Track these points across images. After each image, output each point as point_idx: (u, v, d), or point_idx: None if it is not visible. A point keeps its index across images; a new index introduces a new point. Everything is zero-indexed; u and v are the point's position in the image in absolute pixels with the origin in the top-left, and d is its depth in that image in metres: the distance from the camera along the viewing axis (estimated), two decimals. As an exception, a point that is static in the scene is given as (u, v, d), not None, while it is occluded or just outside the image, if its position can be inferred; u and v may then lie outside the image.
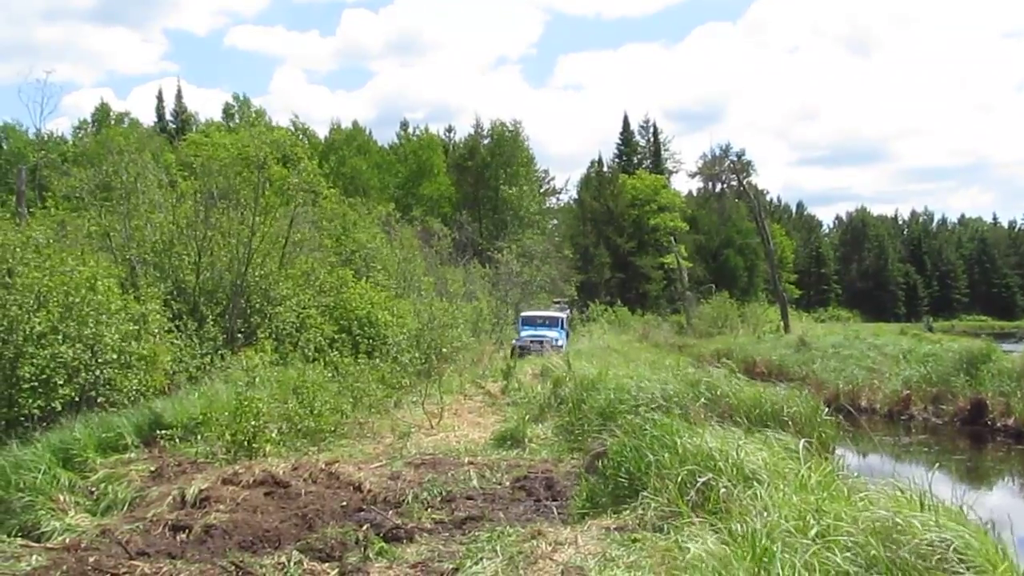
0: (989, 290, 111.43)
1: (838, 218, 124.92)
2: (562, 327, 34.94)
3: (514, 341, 32.56)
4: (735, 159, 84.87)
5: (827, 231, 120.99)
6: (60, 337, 12.57)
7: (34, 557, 7.16)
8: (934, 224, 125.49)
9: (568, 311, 49.57)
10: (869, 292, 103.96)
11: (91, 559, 6.77)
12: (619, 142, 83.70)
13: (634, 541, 6.46)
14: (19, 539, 8.08)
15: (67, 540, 7.95)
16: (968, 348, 22.38)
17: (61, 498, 9.28)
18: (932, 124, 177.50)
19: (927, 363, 22.48)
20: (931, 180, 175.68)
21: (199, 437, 11.64)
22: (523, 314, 37.22)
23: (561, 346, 31.27)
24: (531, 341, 31.32)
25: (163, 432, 11.74)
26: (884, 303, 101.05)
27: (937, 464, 12.54)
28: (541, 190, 67.15)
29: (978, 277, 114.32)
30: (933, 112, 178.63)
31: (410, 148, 67.33)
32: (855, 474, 7.68)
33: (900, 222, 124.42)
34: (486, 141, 65.69)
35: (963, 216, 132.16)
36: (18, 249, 12.85)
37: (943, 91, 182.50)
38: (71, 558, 6.85)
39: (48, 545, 7.78)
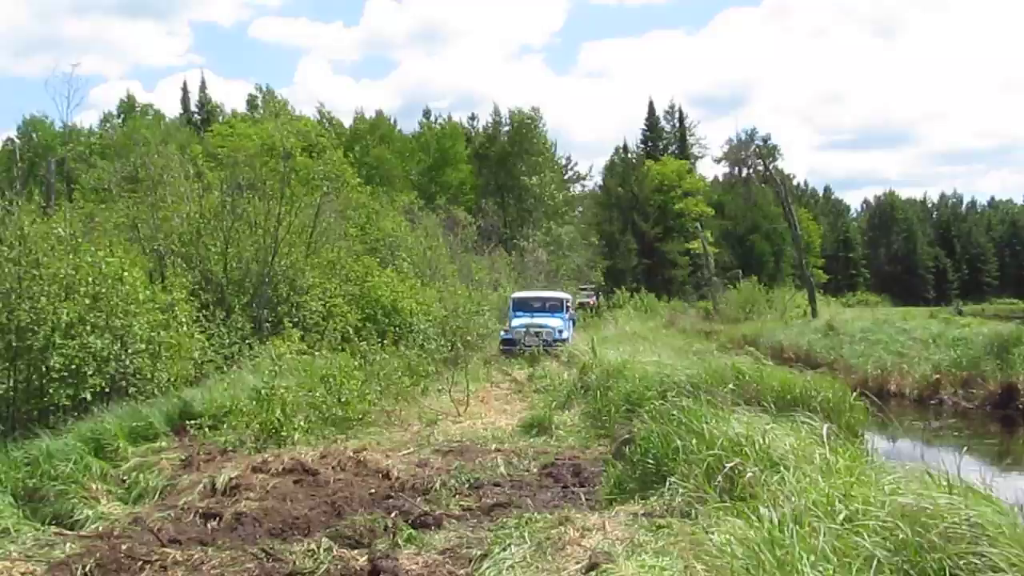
0: (1020, 273, 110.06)
1: (866, 202, 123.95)
2: (566, 312, 28.72)
3: (502, 333, 26.72)
4: (761, 144, 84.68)
5: (855, 215, 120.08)
6: (88, 327, 12.68)
7: (68, 545, 7.25)
8: (963, 207, 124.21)
9: (595, 297, 49.51)
10: (898, 276, 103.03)
11: (123, 546, 6.84)
12: (644, 128, 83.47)
13: (662, 527, 6.45)
14: (53, 527, 8.18)
15: (100, 528, 8.05)
16: (998, 332, 22.13)
17: (93, 487, 9.37)
18: (960, 106, 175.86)
19: (957, 347, 22.24)
20: (960, 163, 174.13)
21: (228, 426, 11.73)
22: (514, 296, 30.51)
23: (566, 339, 25.87)
24: (525, 333, 25.34)
25: (192, 421, 11.85)
26: (913, 287, 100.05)
27: (967, 448, 12.43)
28: (564, 177, 67.04)
29: (1009, 260, 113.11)
30: (961, 94, 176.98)
31: (432, 137, 67.34)
32: (884, 458, 7.63)
33: (929, 205, 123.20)
34: (506, 129, 65.59)
35: (993, 199, 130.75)
36: (43, 240, 12.94)
37: (971, 73, 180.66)
38: (104, 545, 6.92)
39: (81, 533, 7.87)
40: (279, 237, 20.20)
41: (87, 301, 12.84)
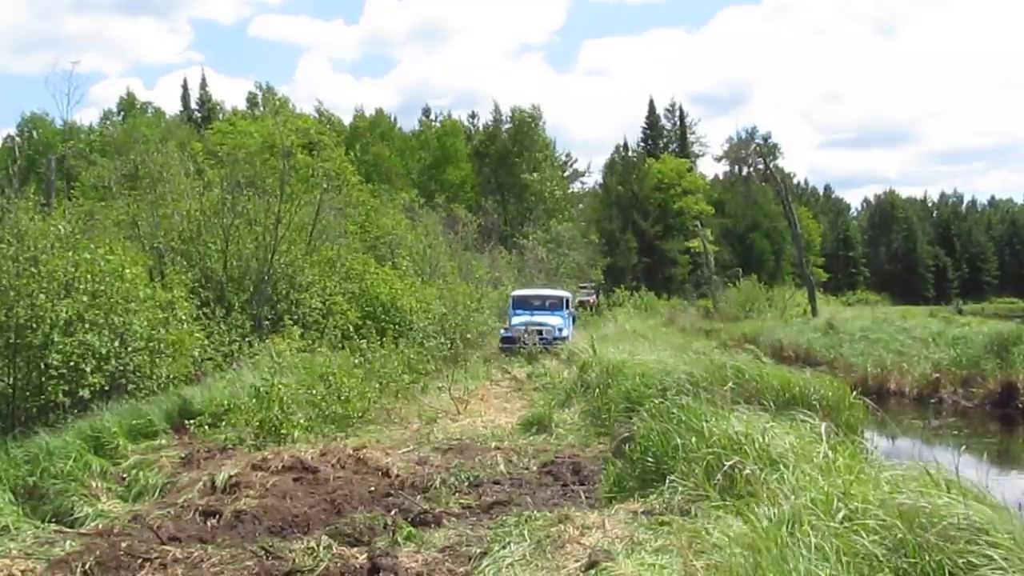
0: (1020, 272, 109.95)
1: (866, 200, 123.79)
2: (566, 310, 28.75)
3: (502, 331, 26.64)
4: (761, 142, 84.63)
5: (855, 214, 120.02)
6: (87, 325, 12.67)
7: (67, 542, 7.25)
8: (964, 206, 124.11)
9: (595, 295, 49.51)
10: (898, 275, 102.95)
11: (123, 544, 6.84)
12: (645, 126, 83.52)
13: (661, 525, 6.46)
14: (53, 525, 8.20)
15: (100, 526, 8.05)
16: (998, 330, 22.15)
17: (93, 484, 9.38)
18: (960, 105, 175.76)
19: (957, 346, 22.26)
20: (960, 161, 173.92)
21: (227, 423, 11.72)
22: (514, 294, 30.45)
23: (566, 336, 25.92)
24: (526, 331, 25.14)
25: (192, 419, 11.84)
26: (913, 286, 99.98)
27: (965, 447, 12.44)
28: (564, 174, 67.05)
29: (1009, 259, 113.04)
30: (961, 93, 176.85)
31: (432, 135, 67.31)
32: (883, 457, 7.63)
33: (929, 204, 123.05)
34: (507, 127, 65.55)
35: (993, 198, 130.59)
36: (42, 238, 12.92)
37: (971, 71, 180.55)
38: (104, 543, 6.92)
39: (81, 531, 7.87)
40: (279, 235, 20.20)
41: (84, 299, 12.83)
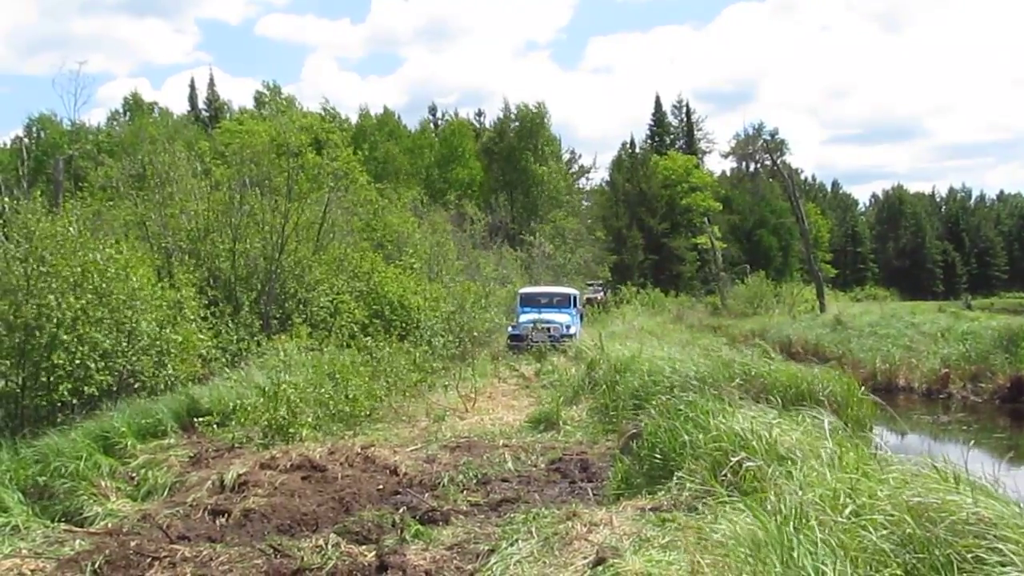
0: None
1: (874, 196, 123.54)
2: (574, 307, 28.54)
3: (509, 328, 26.39)
4: (768, 138, 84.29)
5: (863, 209, 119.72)
6: (93, 323, 12.68)
7: (77, 542, 7.28)
8: (972, 201, 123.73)
9: (603, 292, 49.44)
10: (906, 270, 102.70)
11: (133, 543, 6.87)
12: (651, 123, 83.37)
13: (668, 521, 6.45)
14: (62, 524, 8.21)
15: (109, 525, 8.08)
16: (1008, 325, 22.07)
17: (102, 484, 9.41)
18: (968, 99, 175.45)
19: (966, 341, 22.19)
20: (968, 156, 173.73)
21: (236, 422, 11.73)
22: (521, 291, 30.25)
23: (573, 334, 25.53)
24: (534, 329, 24.92)
25: (200, 418, 11.85)
26: (922, 281, 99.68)
27: (974, 442, 12.39)
28: (570, 170, 67.04)
29: (1018, 254, 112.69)
30: (968, 87, 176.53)
31: (438, 134, 67.28)
32: (891, 452, 7.61)
33: (937, 199, 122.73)
34: (515, 124, 65.50)
35: (1002, 192, 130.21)
36: (48, 239, 12.92)
37: (978, 66, 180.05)
38: (113, 542, 6.95)
39: (91, 530, 7.89)
40: (286, 233, 20.20)
41: (88, 297, 12.82)
